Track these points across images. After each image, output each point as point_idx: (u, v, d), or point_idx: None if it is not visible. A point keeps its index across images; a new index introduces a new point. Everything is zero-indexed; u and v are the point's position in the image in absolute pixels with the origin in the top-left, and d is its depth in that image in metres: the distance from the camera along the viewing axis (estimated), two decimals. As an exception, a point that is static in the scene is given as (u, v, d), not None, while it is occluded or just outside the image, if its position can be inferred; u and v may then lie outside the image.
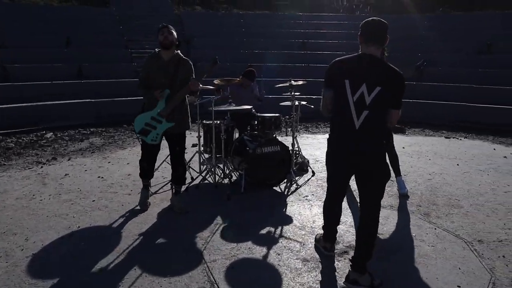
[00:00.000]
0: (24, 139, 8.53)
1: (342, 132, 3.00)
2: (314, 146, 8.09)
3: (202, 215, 4.48)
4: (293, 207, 4.73)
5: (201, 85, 4.43)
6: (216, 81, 5.90)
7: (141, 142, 4.46)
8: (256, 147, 5.21)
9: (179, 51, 4.35)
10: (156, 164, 4.74)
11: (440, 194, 5.22)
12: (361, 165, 2.98)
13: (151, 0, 18.00)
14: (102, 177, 5.88)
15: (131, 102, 10.47)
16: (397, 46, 13.23)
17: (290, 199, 5.03)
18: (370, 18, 2.96)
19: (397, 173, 5.23)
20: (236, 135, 6.08)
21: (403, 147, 7.90)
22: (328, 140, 3.15)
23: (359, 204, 3.21)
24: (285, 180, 5.62)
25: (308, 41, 15.15)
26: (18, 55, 11.69)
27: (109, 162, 6.75)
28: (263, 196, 5.11)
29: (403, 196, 5.09)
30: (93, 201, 4.93)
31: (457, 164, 6.70)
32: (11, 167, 6.47)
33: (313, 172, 6.07)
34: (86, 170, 6.26)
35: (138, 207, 4.68)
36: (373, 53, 2.88)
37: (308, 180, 5.80)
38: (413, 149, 7.86)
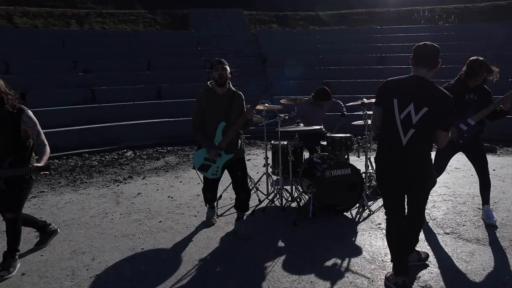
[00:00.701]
0: (107, 157, 9.01)
1: (389, 149, 3.14)
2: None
3: (266, 242, 4.31)
4: (364, 236, 4.38)
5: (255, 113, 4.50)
6: (283, 101, 5.76)
7: (200, 177, 4.57)
8: (325, 170, 4.95)
9: (231, 85, 4.38)
10: (225, 185, 4.71)
11: (537, 226, 4.58)
12: (408, 176, 3.08)
13: (228, 21, 18.48)
14: (171, 197, 5.95)
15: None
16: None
17: (361, 226, 4.68)
18: (422, 43, 3.09)
19: (485, 200, 4.67)
20: (307, 155, 5.87)
21: (494, 169, 7.13)
22: (376, 157, 3.27)
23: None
24: (357, 206, 5.27)
25: (387, 55, 14.55)
26: (104, 79, 12.51)
27: (180, 182, 6.85)
28: (331, 222, 4.81)
29: (491, 227, 4.52)
30: (160, 221, 4.97)
31: (559, 191, 5.90)
32: (91, 185, 6.82)
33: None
34: (158, 190, 6.39)
35: (203, 229, 4.64)
36: (423, 75, 3.04)
37: (382, 205, 5.39)
38: (506, 172, 7.07)
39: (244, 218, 4.68)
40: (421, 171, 3.09)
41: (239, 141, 4.45)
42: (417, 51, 3.06)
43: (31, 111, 3.81)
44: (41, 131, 3.80)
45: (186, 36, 17.08)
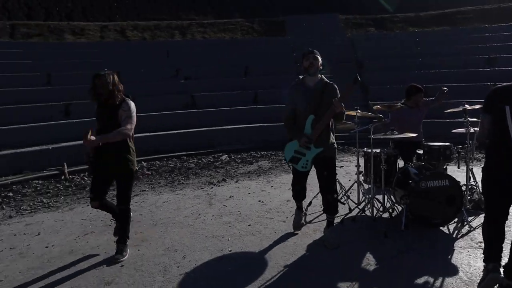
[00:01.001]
0: (203, 160, 9.43)
1: (500, 156, 3.11)
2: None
3: (354, 252, 4.17)
4: (461, 255, 4.03)
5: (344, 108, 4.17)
6: (376, 107, 5.55)
7: (291, 169, 4.52)
8: (420, 180, 4.67)
9: (323, 76, 4.30)
10: (316, 191, 4.64)
11: None
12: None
13: (324, 27, 18.35)
14: (262, 201, 6.04)
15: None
16: None
17: (458, 244, 4.31)
18: None
19: None
20: (402, 164, 5.59)
21: None
22: (485, 165, 3.24)
23: None
24: (455, 221, 4.88)
25: (496, 56, 13.33)
26: (203, 85, 13.13)
27: (271, 186, 6.93)
28: (426, 236, 4.50)
29: None
30: (249, 225, 5.07)
31: None
32: (187, 186, 7.18)
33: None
34: (249, 193, 6.53)
35: (291, 236, 4.64)
36: None
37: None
38: None
39: (334, 224, 4.59)
40: None
41: (330, 138, 4.31)
42: None
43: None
44: (132, 120, 4.05)
45: (281, 42, 17.30)
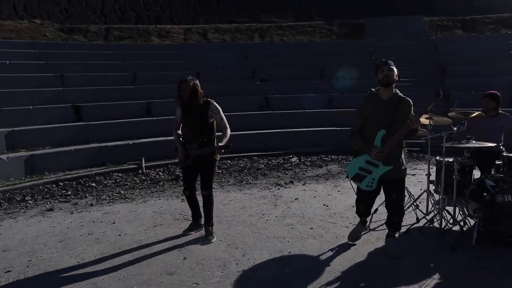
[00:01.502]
0: (273, 161, 9.52)
1: None
2: None
3: (417, 264, 4.00)
4: (539, 276, 3.71)
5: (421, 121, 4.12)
6: (451, 114, 5.25)
7: (353, 188, 4.43)
8: (497, 193, 4.34)
9: (397, 90, 4.09)
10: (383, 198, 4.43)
11: None
12: None
13: (406, 29, 17.63)
14: (327, 205, 5.98)
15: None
16: None
17: (535, 264, 3.97)
18: None
19: None
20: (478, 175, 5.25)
21: None
22: None
23: None
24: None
25: None
26: (278, 87, 13.24)
27: (338, 191, 6.83)
28: (499, 255, 4.17)
29: None
30: (311, 228, 5.05)
31: None
32: (255, 186, 7.31)
33: None
34: (315, 197, 6.50)
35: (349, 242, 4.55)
36: None
37: None
38: None
39: (397, 235, 4.43)
40: None
41: (402, 157, 4.13)
42: None
43: None
44: (224, 117, 4.73)
45: (360, 45, 16.91)
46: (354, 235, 4.56)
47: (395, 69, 3.96)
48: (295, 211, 5.74)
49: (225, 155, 9.57)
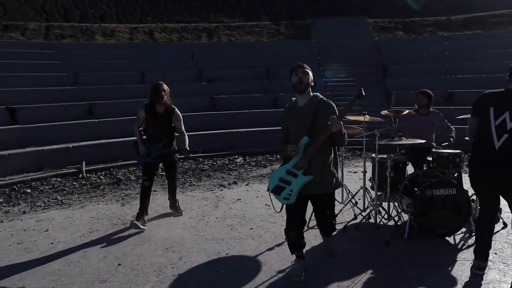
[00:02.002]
0: (219, 162, 9.48)
1: (483, 153, 3.53)
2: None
3: (352, 260, 4.09)
4: (464, 267, 3.87)
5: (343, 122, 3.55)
6: (384, 112, 5.43)
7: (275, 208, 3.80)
8: (426, 188, 4.53)
9: (318, 93, 3.74)
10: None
11: None
12: (502, 179, 3.45)
13: (351, 30, 18.13)
14: (268, 205, 5.96)
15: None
16: None
17: (462, 255, 4.15)
18: None
19: None
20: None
21: None
22: (469, 160, 3.69)
23: None
24: (463, 231, 4.72)
25: (528, 62, 12.85)
26: (224, 87, 13.21)
27: (281, 190, 6.87)
28: (429, 247, 4.35)
29: None
30: (251, 228, 5.05)
31: None
32: (198, 188, 7.23)
33: (504, 223, 4.93)
34: (257, 197, 6.51)
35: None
36: None
37: (495, 233, 4.71)
38: None
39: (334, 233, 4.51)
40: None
41: (331, 167, 3.61)
42: None
43: None
44: (183, 124, 5.48)
45: (306, 46, 17.20)
46: (296, 273, 3.70)
47: (310, 73, 3.64)
48: (236, 212, 5.73)
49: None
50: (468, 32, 17.25)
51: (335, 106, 3.62)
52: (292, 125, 3.63)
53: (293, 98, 3.77)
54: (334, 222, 4.03)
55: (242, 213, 5.66)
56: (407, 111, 5.25)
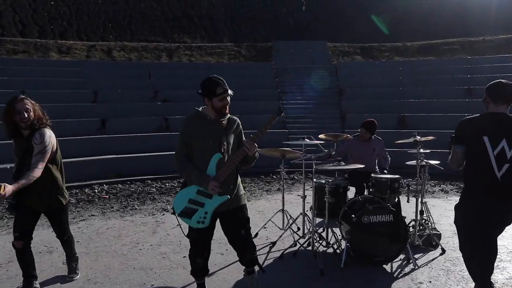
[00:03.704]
0: (167, 184, 9.16)
1: (483, 185, 3.18)
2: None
3: (282, 291, 3.90)
4: (396, 296, 3.77)
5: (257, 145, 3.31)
6: (322, 136, 5.34)
7: (184, 231, 3.49)
8: (363, 214, 4.42)
9: None
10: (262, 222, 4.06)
11: None
12: (503, 211, 3.18)
13: (311, 54, 18.36)
14: (208, 231, 5.76)
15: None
16: None
17: (397, 284, 4.02)
18: (498, 81, 3.28)
19: None
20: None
21: None
22: (466, 194, 3.31)
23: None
24: (401, 258, 4.61)
25: (475, 87, 13.24)
26: (179, 108, 12.94)
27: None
28: (364, 275, 4.21)
29: None
30: (184, 257, 4.76)
31: None
32: (139, 212, 6.90)
33: (442, 249, 4.87)
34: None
35: (222, 270, 4.34)
36: (502, 111, 3.21)
37: (432, 260, 4.64)
38: None
39: (263, 266, 4.30)
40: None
41: (238, 181, 3.42)
42: (496, 90, 3.22)
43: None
44: (44, 155, 3.56)
45: (266, 68, 17.22)
46: None
47: (230, 91, 3.34)
48: (172, 239, 5.44)
49: (115, 179, 9.11)
50: (422, 58, 17.75)
51: (239, 123, 3.48)
52: (199, 137, 3.26)
53: (199, 108, 3.45)
54: (256, 258, 3.58)
55: (179, 240, 5.37)
56: (345, 136, 5.18)
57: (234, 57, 19.80)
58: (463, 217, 3.33)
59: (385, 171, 5.65)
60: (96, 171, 9.41)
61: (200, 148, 3.26)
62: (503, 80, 3.28)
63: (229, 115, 3.40)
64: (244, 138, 3.43)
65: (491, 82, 3.30)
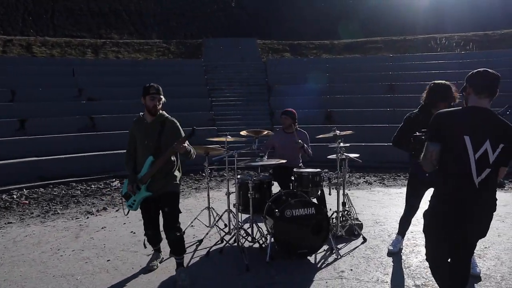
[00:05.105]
0: (93, 186, 8.83)
1: (459, 190, 2.78)
2: (381, 204, 7.07)
3: (209, 288, 3.92)
4: (319, 287, 3.90)
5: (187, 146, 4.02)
6: (243, 132, 5.41)
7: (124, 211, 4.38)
8: (285, 209, 4.53)
9: (164, 111, 4.17)
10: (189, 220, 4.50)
11: (522, 279, 4.00)
12: (477, 216, 2.80)
13: (241, 51, 18.45)
14: (134, 232, 5.63)
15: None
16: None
17: (320, 274, 4.18)
18: (483, 69, 2.80)
19: None
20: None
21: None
22: (439, 198, 2.88)
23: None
24: (324, 249, 4.79)
25: (396, 83, 14.02)
26: (106, 107, 12.51)
27: (155, 215, 6.53)
28: (288, 268, 4.33)
29: (473, 278, 3.95)
30: (108, 260, 4.64)
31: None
32: (62, 216, 6.59)
33: (364, 238, 5.13)
34: (124, 223, 6.10)
35: (147, 272, 4.28)
36: (485, 106, 2.76)
37: (354, 249, 4.87)
38: (508, 211, 6.43)
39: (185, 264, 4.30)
40: (491, 210, 2.83)
41: (175, 172, 4.16)
42: (479, 80, 2.77)
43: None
44: None
45: (195, 65, 17.07)
46: (149, 265, 4.40)
47: (163, 97, 4.09)
48: (96, 242, 5.27)
49: (37, 183, 8.63)
50: (348, 56, 18.48)
51: (177, 122, 4.16)
52: (140, 139, 4.06)
53: (141, 113, 4.20)
54: (180, 240, 4.07)
55: (103, 243, 5.21)
56: (266, 131, 5.29)
57: (163, 54, 19.42)
58: (432, 224, 2.97)
59: (300, 165, 5.81)
60: (15, 175, 8.83)
61: (141, 147, 4.05)
62: (489, 70, 2.80)
63: (167, 115, 4.15)
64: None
65: (473, 71, 2.84)
